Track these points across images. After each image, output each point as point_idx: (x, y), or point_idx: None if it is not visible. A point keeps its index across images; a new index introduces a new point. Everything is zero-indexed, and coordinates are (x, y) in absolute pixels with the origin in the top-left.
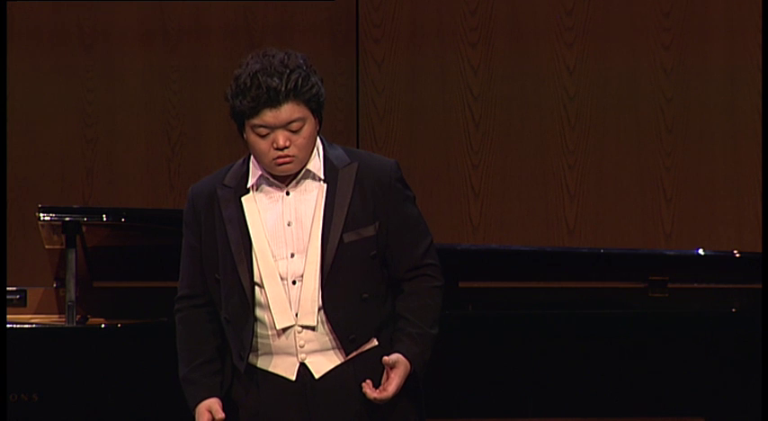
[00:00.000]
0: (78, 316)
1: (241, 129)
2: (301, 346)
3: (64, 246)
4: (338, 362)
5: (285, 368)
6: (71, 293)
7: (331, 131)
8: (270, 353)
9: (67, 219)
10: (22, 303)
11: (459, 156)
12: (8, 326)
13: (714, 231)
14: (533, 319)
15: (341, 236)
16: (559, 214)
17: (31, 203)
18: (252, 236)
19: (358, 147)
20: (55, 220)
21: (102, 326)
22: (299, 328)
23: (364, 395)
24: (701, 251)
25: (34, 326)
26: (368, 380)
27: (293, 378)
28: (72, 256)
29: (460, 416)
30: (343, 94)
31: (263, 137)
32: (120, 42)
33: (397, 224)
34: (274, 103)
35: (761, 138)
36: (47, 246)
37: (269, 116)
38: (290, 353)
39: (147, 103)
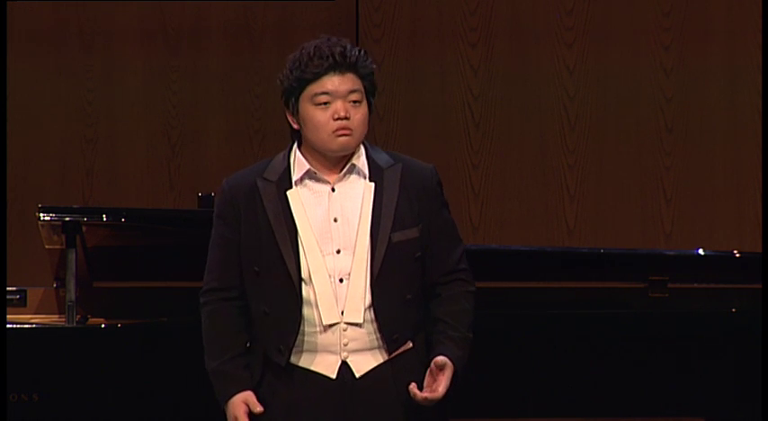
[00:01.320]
0: (78, 316)
1: (294, 108)
2: (345, 344)
3: (64, 246)
4: (379, 362)
5: (326, 366)
6: (71, 293)
7: None
8: (311, 350)
9: (67, 219)
10: (22, 303)
11: (460, 156)
12: (8, 326)
13: (714, 231)
14: (533, 319)
15: (389, 235)
16: (559, 214)
17: (31, 203)
18: (299, 230)
19: None
20: (55, 220)
21: (102, 326)
22: (345, 326)
23: (401, 396)
24: (701, 251)
25: (34, 326)
26: (413, 383)
27: (334, 376)
28: (72, 256)
29: (460, 416)
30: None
31: (322, 106)
32: (120, 42)
33: (436, 228)
34: (339, 68)
35: (761, 138)
36: (47, 246)
37: (331, 82)
38: (332, 351)
39: (147, 103)
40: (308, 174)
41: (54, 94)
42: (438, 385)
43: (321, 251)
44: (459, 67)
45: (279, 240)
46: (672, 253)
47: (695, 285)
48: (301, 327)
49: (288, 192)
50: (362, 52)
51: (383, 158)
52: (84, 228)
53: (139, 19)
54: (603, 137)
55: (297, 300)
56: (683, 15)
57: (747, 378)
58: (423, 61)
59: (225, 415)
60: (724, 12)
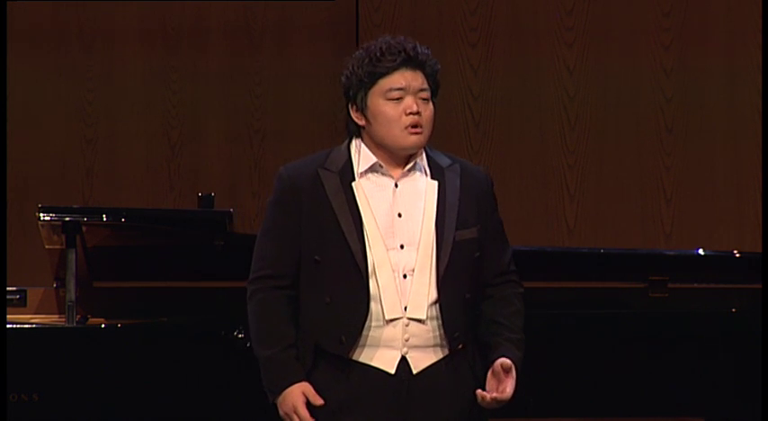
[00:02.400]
0: (78, 316)
1: (363, 103)
2: (406, 340)
3: (64, 246)
4: (436, 360)
5: (386, 361)
6: (71, 293)
7: (331, 131)
8: (372, 344)
9: (67, 219)
10: (22, 303)
11: (459, 156)
12: (8, 326)
13: (714, 231)
14: (533, 319)
15: (454, 234)
16: (559, 214)
17: (31, 203)
18: (364, 223)
19: None
20: (55, 220)
21: (102, 326)
22: (407, 321)
23: (452, 394)
24: (701, 251)
25: (34, 326)
26: (478, 390)
27: (393, 371)
28: (72, 256)
29: None
30: (343, 94)
31: (394, 102)
32: (120, 42)
33: (491, 230)
34: (411, 64)
35: (761, 138)
36: (47, 246)
37: (404, 78)
38: (393, 347)
39: (147, 103)
40: (373, 168)
41: (54, 94)
42: (506, 386)
43: (385, 245)
44: (459, 67)
45: (345, 231)
46: (672, 253)
47: (695, 285)
48: (366, 321)
49: (353, 184)
50: (429, 52)
51: (442, 158)
52: (84, 228)
53: (139, 19)
54: (603, 137)
55: (365, 293)
56: (683, 15)
57: (747, 378)
58: None
59: (273, 405)
60: (724, 12)
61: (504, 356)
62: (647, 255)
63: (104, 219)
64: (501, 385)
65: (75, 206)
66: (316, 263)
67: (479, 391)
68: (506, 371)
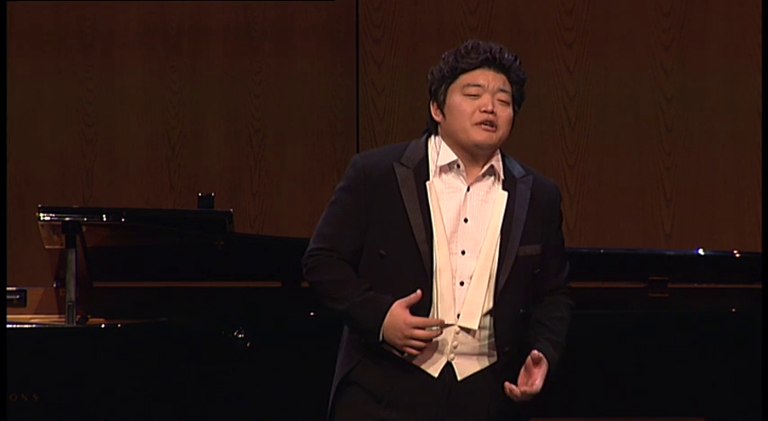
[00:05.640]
0: (78, 316)
1: (442, 98)
2: (455, 347)
3: (64, 246)
4: (479, 368)
5: (431, 364)
6: (71, 293)
7: (331, 131)
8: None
9: (67, 219)
10: (22, 303)
11: None
12: (8, 326)
13: (714, 231)
14: None
15: (518, 249)
16: None
17: (31, 203)
18: (433, 225)
19: (358, 147)
20: (55, 220)
21: (102, 326)
22: (458, 329)
23: (493, 404)
24: (701, 251)
25: (34, 326)
26: (506, 383)
27: (436, 375)
28: (72, 256)
29: None
30: (343, 94)
31: (471, 98)
32: (120, 42)
33: (552, 247)
34: (493, 65)
35: (761, 138)
36: (47, 246)
37: (484, 76)
38: (440, 351)
39: (147, 103)
40: (450, 167)
41: (54, 94)
42: (535, 379)
43: (449, 249)
44: None
45: (414, 230)
46: (672, 253)
47: (695, 285)
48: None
49: (427, 183)
50: (518, 60)
51: (516, 168)
52: (84, 228)
53: (139, 19)
54: (603, 137)
55: (428, 295)
56: (683, 15)
57: (747, 378)
58: (422, 61)
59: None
60: (724, 12)
61: (536, 350)
62: (647, 255)
63: (104, 219)
64: (531, 378)
65: (75, 206)
66: (380, 257)
67: (507, 384)
68: (536, 362)
